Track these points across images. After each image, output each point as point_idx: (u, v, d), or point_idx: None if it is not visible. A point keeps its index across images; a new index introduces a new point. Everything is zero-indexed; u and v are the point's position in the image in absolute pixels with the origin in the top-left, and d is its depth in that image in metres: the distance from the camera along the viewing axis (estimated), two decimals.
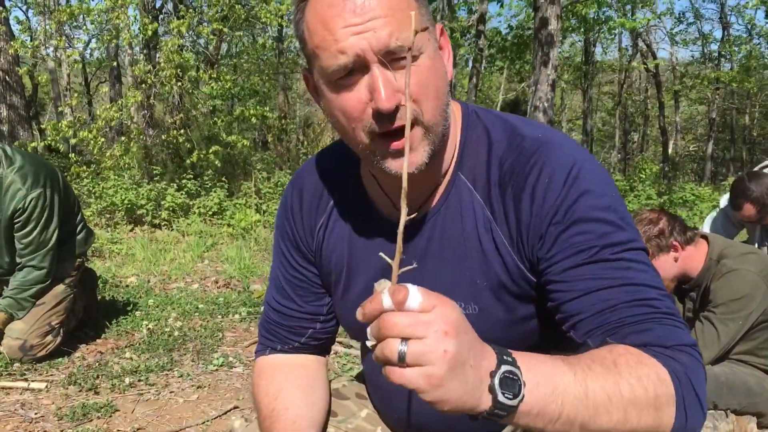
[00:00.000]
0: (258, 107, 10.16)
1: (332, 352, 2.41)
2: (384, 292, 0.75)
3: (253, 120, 9.80)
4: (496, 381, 0.79)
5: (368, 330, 0.78)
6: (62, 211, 3.30)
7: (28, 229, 3.17)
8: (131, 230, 7.90)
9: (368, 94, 0.96)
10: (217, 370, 3.23)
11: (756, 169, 3.81)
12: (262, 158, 10.58)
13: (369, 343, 0.78)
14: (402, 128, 0.97)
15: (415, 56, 0.95)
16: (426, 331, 0.74)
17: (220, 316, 4.13)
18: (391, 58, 0.94)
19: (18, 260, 3.25)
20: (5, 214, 3.14)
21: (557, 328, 1.04)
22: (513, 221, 1.06)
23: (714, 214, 4.02)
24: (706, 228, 3.94)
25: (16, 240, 3.22)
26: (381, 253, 0.80)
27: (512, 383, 0.80)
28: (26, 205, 3.12)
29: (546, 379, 0.83)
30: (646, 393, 0.87)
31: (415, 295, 0.75)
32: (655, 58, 19.36)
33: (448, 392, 0.76)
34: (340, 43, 0.94)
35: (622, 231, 1.01)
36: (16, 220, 3.16)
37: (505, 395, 0.79)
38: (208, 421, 2.67)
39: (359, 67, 0.95)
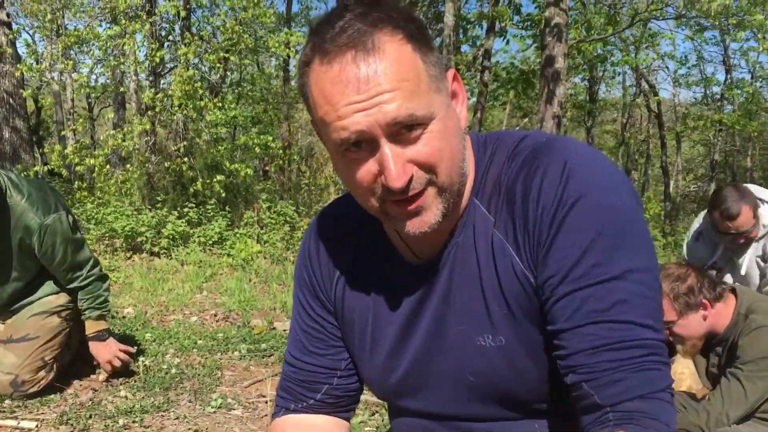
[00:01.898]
0: (261, 136, 10.12)
1: None
2: None
3: (257, 150, 9.74)
4: None
5: None
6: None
7: (59, 256, 3.10)
8: (129, 258, 7.78)
9: (378, 167, 0.92)
10: (215, 412, 3.09)
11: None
12: (265, 188, 10.49)
13: None
14: (416, 194, 0.94)
15: (426, 124, 0.91)
16: None
17: (219, 353, 3.99)
18: (401, 129, 0.90)
19: (70, 286, 3.26)
20: (15, 243, 3.04)
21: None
22: (522, 239, 1.00)
23: (688, 240, 3.77)
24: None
25: (56, 273, 3.20)
26: None
27: None
28: (42, 234, 3.02)
29: None
30: None
31: None
32: (656, 95, 19.39)
33: None
34: (344, 121, 0.90)
35: (616, 255, 0.95)
36: (41, 254, 3.08)
37: None
38: None
39: (367, 141, 0.91)
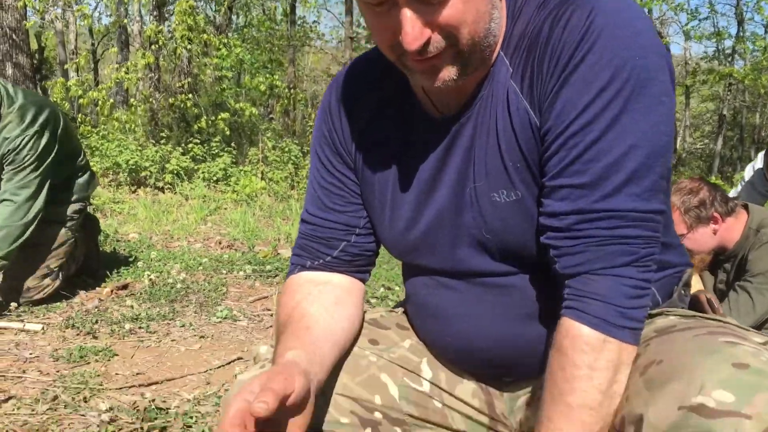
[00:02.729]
0: (267, 76, 9.99)
1: None
2: None
3: (262, 87, 9.63)
4: None
5: None
6: (60, 154, 3.12)
7: (13, 166, 2.98)
8: (134, 191, 7.78)
9: (397, 25, 0.88)
10: (220, 322, 3.10)
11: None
12: (270, 127, 10.41)
13: None
14: (434, 55, 0.90)
15: None
16: None
17: (224, 272, 3.99)
18: None
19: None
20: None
21: None
22: (535, 87, 0.96)
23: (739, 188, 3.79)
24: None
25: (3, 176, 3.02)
26: None
27: None
28: (18, 144, 2.94)
29: None
30: (587, 375, 0.90)
31: None
32: (664, 38, 18.97)
33: None
34: None
35: (617, 115, 0.89)
36: (5, 158, 2.98)
37: None
38: (210, 370, 2.54)
39: (389, 0, 0.87)
